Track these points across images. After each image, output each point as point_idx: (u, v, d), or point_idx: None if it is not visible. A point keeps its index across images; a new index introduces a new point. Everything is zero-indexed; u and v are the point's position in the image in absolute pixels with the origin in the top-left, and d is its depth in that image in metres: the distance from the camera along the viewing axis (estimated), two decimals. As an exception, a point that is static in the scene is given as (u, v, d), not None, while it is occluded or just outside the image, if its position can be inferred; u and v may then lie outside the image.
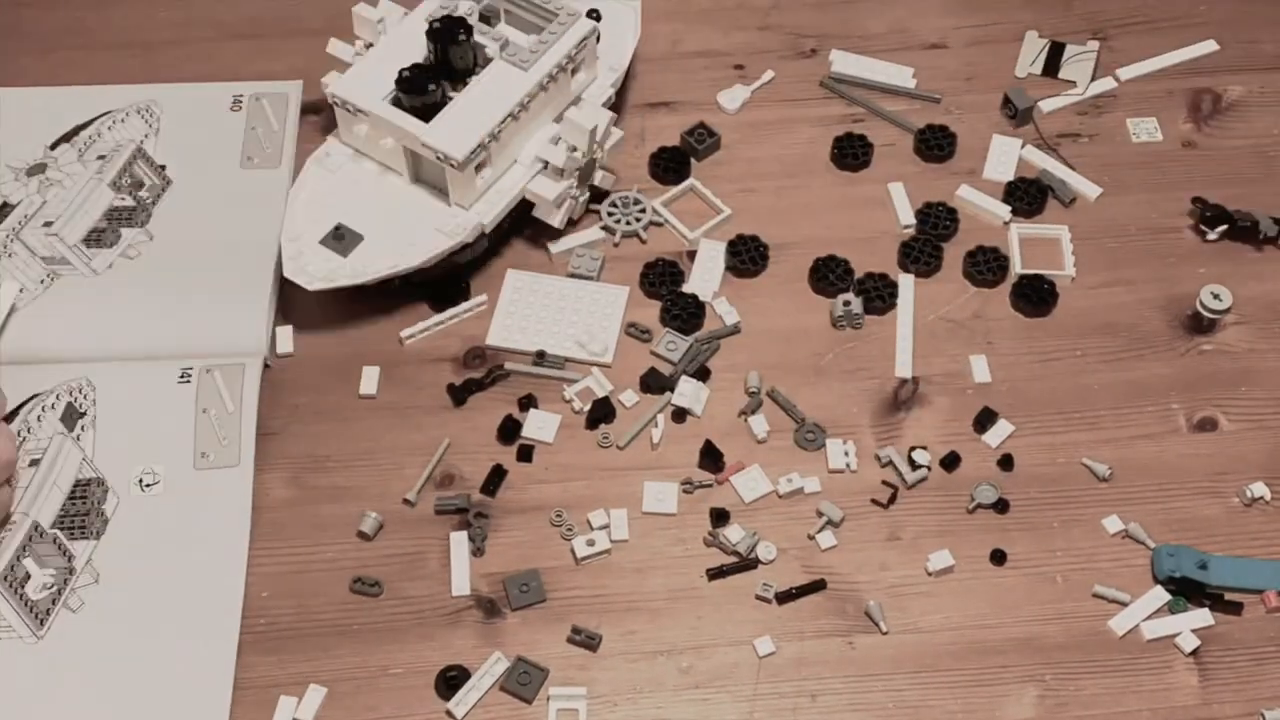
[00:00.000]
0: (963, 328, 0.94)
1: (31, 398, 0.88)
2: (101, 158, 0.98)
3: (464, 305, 0.92)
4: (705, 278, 0.95)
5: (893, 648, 0.82)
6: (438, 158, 0.90)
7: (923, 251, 0.96)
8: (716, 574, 0.83)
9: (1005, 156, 1.01)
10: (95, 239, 0.94)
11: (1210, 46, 1.03)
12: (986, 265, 0.95)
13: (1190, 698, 0.81)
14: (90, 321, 0.91)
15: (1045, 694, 0.81)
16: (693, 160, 1.01)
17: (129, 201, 0.96)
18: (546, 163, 0.93)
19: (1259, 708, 0.80)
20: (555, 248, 0.96)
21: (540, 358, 0.91)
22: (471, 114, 0.91)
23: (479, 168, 0.91)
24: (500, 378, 0.90)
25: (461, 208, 0.92)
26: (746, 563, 0.84)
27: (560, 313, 0.93)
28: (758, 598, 0.83)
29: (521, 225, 0.96)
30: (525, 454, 0.88)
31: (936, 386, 0.91)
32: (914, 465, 0.87)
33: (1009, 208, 0.98)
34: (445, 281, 0.93)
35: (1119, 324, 0.94)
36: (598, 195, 0.98)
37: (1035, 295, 0.94)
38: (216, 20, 1.07)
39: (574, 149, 0.93)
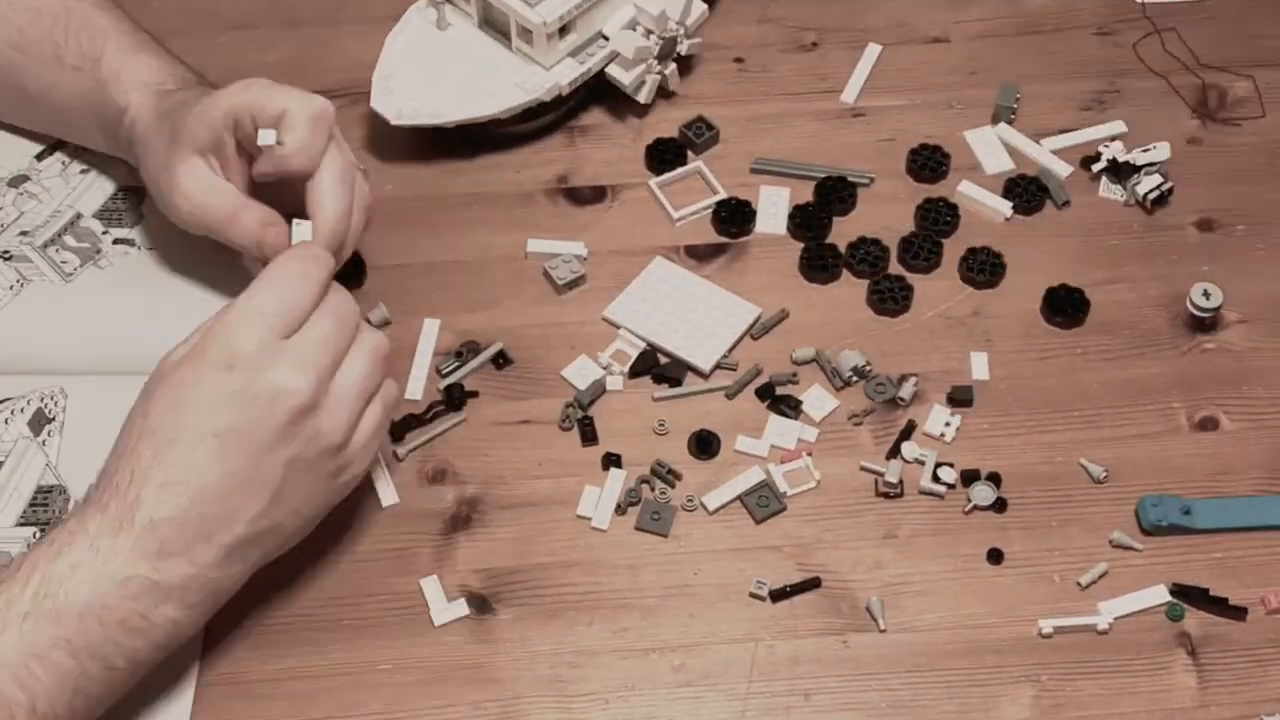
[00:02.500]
0: (962, 325, 0.93)
1: (1, 401, 0.87)
2: (85, 171, 0.97)
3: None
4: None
5: (888, 647, 0.81)
6: (518, 23, 0.95)
7: (922, 247, 0.95)
8: (779, 595, 0.83)
9: (989, 148, 1.00)
10: (73, 246, 0.93)
11: (1119, 127, 1.01)
12: (980, 267, 0.95)
13: (1188, 699, 0.80)
14: (63, 329, 0.90)
15: (1041, 694, 0.80)
16: (690, 154, 1.00)
17: (113, 208, 0.95)
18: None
19: (1258, 710, 0.79)
20: (533, 246, 0.95)
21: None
22: None
23: (563, 31, 0.94)
24: (439, 413, 0.88)
25: (541, 66, 0.95)
26: (809, 583, 0.83)
27: (688, 311, 0.92)
28: (752, 595, 0.82)
29: (604, 95, 1.01)
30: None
31: (935, 384, 0.90)
32: (937, 479, 0.86)
33: (1010, 204, 0.98)
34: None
35: (1119, 322, 0.93)
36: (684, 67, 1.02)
37: (1069, 306, 0.93)
38: (212, 10, 1.06)
39: (649, 31, 0.95)
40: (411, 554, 0.84)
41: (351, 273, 0.92)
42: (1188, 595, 0.83)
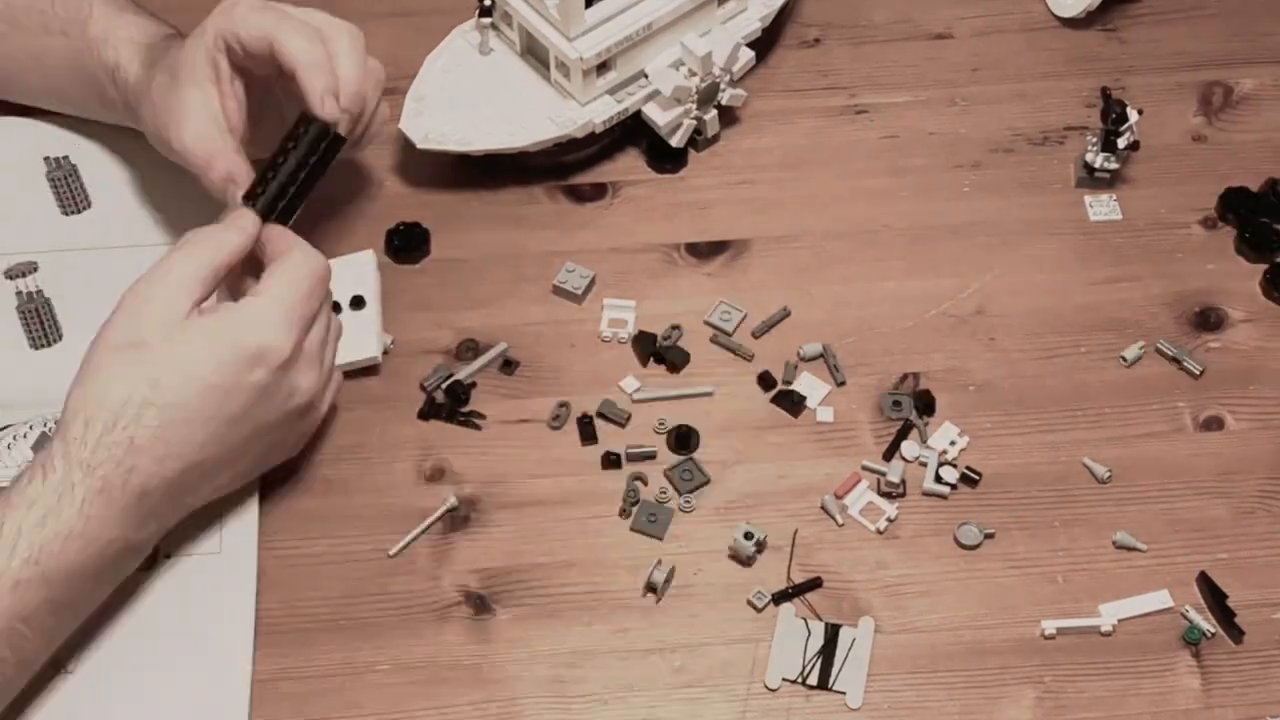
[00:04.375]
0: (965, 323, 0.93)
1: (2, 428, 0.86)
2: None
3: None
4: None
5: (890, 648, 0.81)
6: (556, 57, 0.93)
7: (925, 245, 0.95)
8: (782, 597, 0.82)
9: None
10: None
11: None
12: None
13: (1192, 701, 0.79)
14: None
15: (1044, 696, 0.79)
16: (691, 150, 0.99)
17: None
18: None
19: (1262, 712, 0.79)
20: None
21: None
22: (604, 14, 0.92)
23: (602, 68, 0.93)
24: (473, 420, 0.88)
25: (577, 102, 0.94)
26: (811, 583, 0.82)
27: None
28: (748, 603, 0.82)
29: (639, 134, 0.99)
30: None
31: (938, 383, 0.90)
32: (939, 479, 0.85)
33: (1013, 201, 0.97)
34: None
35: (1124, 320, 0.93)
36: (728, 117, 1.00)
37: None
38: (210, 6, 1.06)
39: (693, 73, 0.94)
40: (409, 554, 0.83)
41: (416, 245, 0.94)
42: (1211, 591, 0.82)
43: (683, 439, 0.87)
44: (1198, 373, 0.89)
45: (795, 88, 1.03)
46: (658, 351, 0.90)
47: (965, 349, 0.91)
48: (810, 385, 0.89)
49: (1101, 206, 0.98)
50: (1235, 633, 0.81)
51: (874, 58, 1.05)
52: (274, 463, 0.83)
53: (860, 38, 1.06)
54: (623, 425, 0.88)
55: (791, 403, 0.89)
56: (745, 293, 0.93)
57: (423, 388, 0.89)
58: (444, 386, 0.88)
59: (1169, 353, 0.90)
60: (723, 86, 0.97)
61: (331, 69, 0.82)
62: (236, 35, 0.82)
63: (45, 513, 0.72)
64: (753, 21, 0.99)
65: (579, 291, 0.93)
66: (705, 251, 0.96)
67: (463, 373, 0.89)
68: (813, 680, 0.79)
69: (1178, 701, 0.79)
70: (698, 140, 0.99)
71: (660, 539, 0.84)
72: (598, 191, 0.98)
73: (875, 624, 0.81)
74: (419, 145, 0.93)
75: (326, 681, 0.79)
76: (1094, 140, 0.97)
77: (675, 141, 0.96)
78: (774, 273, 0.95)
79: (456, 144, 0.93)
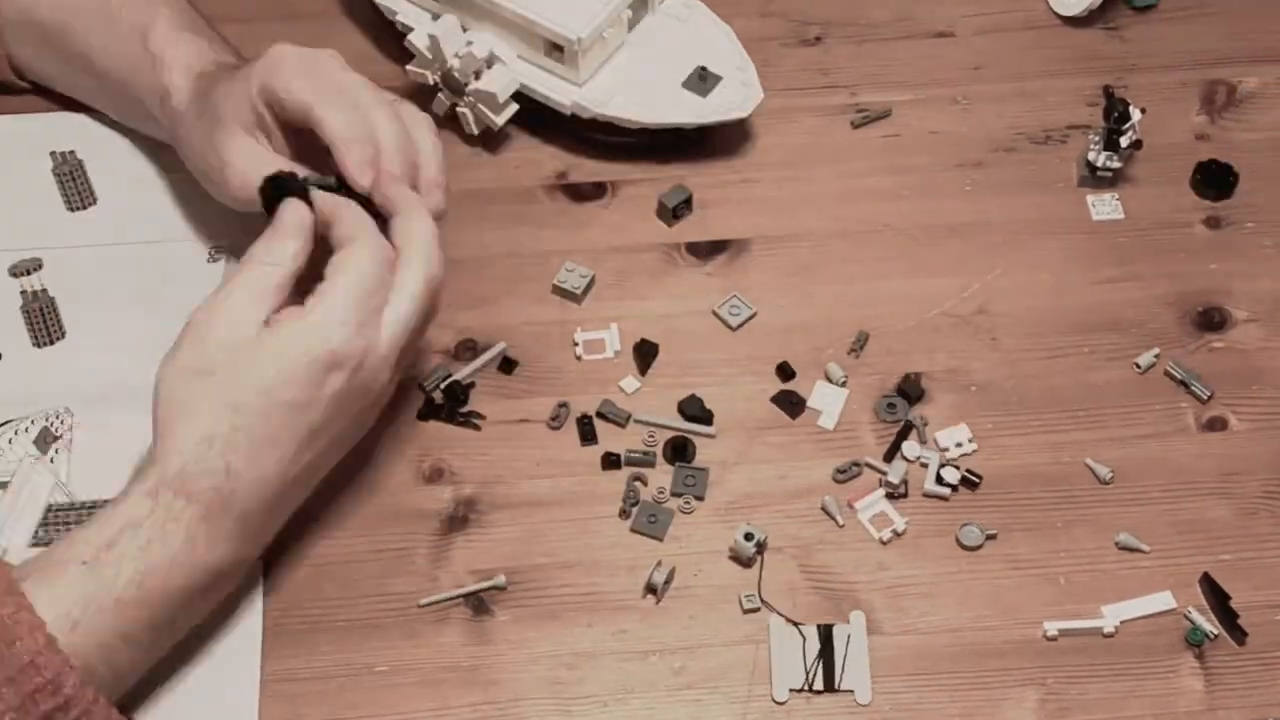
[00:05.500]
0: (966, 323, 0.92)
1: (4, 423, 0.85)
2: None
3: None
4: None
5: (890, 649, 0.80)
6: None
7: (927, 244, 0.95)
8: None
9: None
10: None
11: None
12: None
13: (1195, 703, 0.79)
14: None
15: (1047, 698, 0.79)
16: (690, 145, 0.99)
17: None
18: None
19: (1266, 714, 0.78)
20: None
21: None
22: None
23: None
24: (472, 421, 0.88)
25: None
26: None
27: None
28: (746, 611, 0.81)
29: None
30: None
31: (939, 383, 0.89)
32: (940, 480, 0.85)
33: (1015, 200, 0.97)
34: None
35: (1127, 320, 0.92)
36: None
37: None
38: (209, 2, 1.05)
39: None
40: (407, 555, 0.83)
41: None
42: (1214, 592, 0.81)
43: (679, 450, 0.86)
44: (1205, 397, 0.88)
45: (795, 86, 1.03)
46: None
47: (967, 349, 0.91)
48: (822, 394, 0.89)
49: (1104, 206, 0.97)
50: (1238, 634, 0.80)
51: (875, 56, 1.04)
52: (350, 446, 0.81)
53: (861, 36, 1.05)
54: (622, 425, 0.87)
55: (791, 403, 0.88)
56: (746, 292, 0.93)
57: (421, 388, 0.88)
58: (442, 387, 0.88)
59: (1178, 375, 0.89)
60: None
61: (369, 140, 0.80)
62: (279, 100, 0.82)
63: (150, 539, 0.72)
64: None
65: (578, 291, 0.92)
66: (705, 251, 0.95)
67: (461, 373, 0.89)
68: (819, 685, 0.78)
69: (1181, 703, 0.79)
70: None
71: (660, 540, 0.84)
72: (597, 190, 0.98)
73: (868, 620, 0.80)
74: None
75: (325, 683, 0.79)
76: (1096, 139, 0.96)
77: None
78: (774, 272, 0.94)
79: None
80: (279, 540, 0.82)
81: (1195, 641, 0.80)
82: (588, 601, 0.82)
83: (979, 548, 0.83)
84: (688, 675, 0.79)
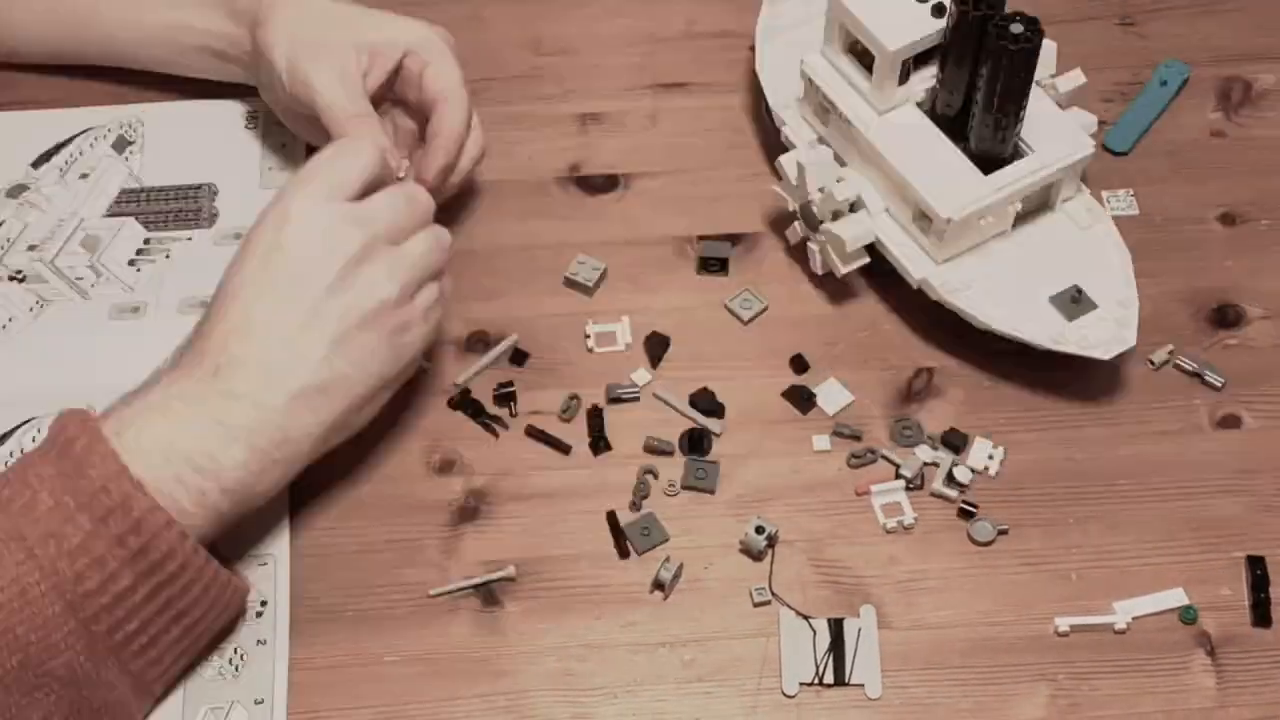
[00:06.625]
0: (980, 318, 0.92)
1: (24, 422, 0.85)
2: (84, 177, 0.96)
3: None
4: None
5: (901, 644, 0.80)
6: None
7: (940, 239, 0.94)
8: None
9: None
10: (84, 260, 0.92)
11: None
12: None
13: (1207, 699, 0.78)
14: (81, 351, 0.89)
15: (1057, 693, 0.79)
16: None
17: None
18: None
19: (1278, 712, 0.78)
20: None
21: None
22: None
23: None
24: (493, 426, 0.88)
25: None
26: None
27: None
28: (756, 605, 0.81)
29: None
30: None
31: (952, 378, 0.89)
32: (952, 480, 0.85)
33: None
34: None
35: (1142, 317, 0.91)
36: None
37: None
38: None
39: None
40: (418, 546, 0.83)
41: None
42: (1256, 572, 0.81)
43: (695, 442, 0.86)
44: (1219, 385, 0.88)
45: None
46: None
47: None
48: (829, 391, 0.89)
49: (1119, 202, 0.97)
50: (1262, 618, 0.80)
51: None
52: (376, 368, 0.79)
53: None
54: (636, 399, 0.87)
55: (802, 398, 0.88)
56: (758, 286, 0.93)
57: (455, 385, 0.88)
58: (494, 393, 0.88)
59: (1188, 368, 0.89)
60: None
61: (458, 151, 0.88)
62: (420, 82, 0.88)
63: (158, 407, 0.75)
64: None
65: (590, 284, 0.92)
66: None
67: (474, 366, 0.89)
68: (829, 679, 0.78)
69: (1192, 700, 0.78)
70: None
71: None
72: (610, 183, 0.98)
73: (878, 614, 0.80)
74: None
75: (335, 673, 0.79)
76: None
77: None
78: (786, 266, 0.94)
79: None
80: (290, 529, 0.82)
81: (1188, 619, 0.80)
82: (597, 594, 0.82)
83: (991, 543, 0.83)
84: (698, 668, 0.79)
